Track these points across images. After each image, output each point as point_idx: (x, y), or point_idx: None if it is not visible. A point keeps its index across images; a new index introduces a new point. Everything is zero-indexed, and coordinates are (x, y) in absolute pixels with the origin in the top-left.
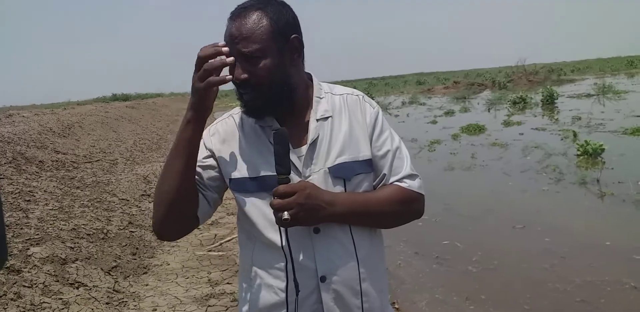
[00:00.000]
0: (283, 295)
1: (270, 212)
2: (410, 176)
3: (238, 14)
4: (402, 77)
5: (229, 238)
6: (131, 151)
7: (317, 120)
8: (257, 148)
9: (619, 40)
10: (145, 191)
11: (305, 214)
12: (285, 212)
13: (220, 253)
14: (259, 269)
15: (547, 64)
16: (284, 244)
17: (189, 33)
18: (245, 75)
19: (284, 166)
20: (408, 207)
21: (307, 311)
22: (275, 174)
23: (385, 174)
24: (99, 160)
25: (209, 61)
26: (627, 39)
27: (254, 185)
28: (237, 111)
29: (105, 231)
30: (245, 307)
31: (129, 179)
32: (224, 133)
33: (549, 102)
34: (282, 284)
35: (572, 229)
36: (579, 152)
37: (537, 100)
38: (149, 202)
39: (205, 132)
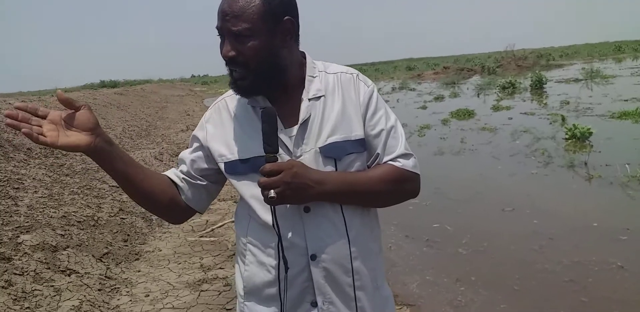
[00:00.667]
0: (275, 272)
1: (260, 192)
2: (405, 155)
3: None
4: (392, 63)
5: (220, 224)
6: (120, 138)
7: (309, 99)
8: (249, 129)
9: (607, 25)
10: None
11: (291, 192)
12: (272, 191)
13: (212, 239)
14: (253, 247)
15: (535, 49)
16: (273, 222)
17: (177, 18)
18: (232, 53)
19: (271, 144)
20: (401, 186)
21: (297, 288)
22: (264, 155)
23: (378, 153)
24: None
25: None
26: (615, 25)
27: (245, 167)
28: (229, 94)
29: (96, 218)
30: (241, 285)
31: None
32: (216, 118)
33: (538, 87)
34: (274, 262)
35: (560, 211)
36: (567, 136)
37: (526, 85)
38: None
39: (200, 122)
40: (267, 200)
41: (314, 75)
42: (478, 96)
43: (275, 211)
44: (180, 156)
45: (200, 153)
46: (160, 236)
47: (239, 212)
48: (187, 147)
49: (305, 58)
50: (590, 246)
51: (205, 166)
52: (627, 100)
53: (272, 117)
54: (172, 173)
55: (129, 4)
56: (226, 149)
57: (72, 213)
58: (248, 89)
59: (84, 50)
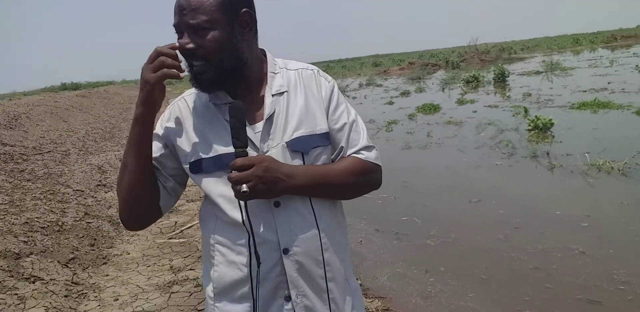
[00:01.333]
0: (246, 270)
1: (229, 189)
2: (367, 148)
3: None
4: (358, 60)
5: (189, 225)
6: (84, 141)
7: (273, 95)
8: (212, 127)
9: (565, 19)
10: (100, 181)
11: (263, 186)
12: (244, 185)
13: (182, 240)
14: (221, 247)
15: (498, 43)
16: (244, 219)
17: (138, 18)
18: (191, 45)
19: (240, 139)
20: (366, 177)
21: (270, 284)
22: (231, 151)
23: (342, 147)
24: (50, 151)
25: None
26: (572, 18)
27: (211, 164)
28: (189, 93)
29: (60, 223)
30: (210, 287)
31: (83, 170)
32: (177, 117)
33: (501, 80)
34: (245, 260)
35: (524, 200)
36: (529, 127)
37: (489, 79)
38: (105, 192)
39: (159, 121)
40: (239, 195)
41: (276, 72)
42: (443, 91)
43: (247, 207)
44: None
45: (165, 152)
46: (128, 239)
47: (204, 213)
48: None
49: (265, 55)
50: (553, 234)
51: (174, 165)
52: (585, 91)
53: (240, 111)
54: None
55: (87, 3)
56: (190, 148)
57: (35, 219)
58: (209, 83)
59: (42, 51)
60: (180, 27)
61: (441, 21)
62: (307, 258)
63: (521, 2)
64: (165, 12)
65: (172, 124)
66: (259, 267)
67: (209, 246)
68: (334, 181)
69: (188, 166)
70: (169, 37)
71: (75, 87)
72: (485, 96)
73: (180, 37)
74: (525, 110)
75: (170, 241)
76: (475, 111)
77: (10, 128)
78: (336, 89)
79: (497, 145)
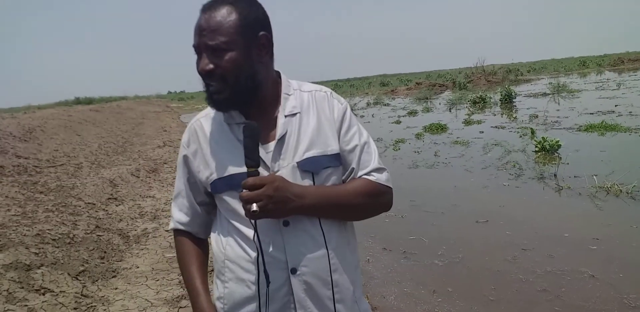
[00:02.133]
0: (254, 288)
1: (240, 208)
2: (378, 170)
3: (209, 7)
4: (366, 79)
5: None
6: (96, 155)
7: (285, 116)
8: (225, 147)
9: (572, 41)
10: (112, 194)
11: (274, 206)
12: (254, 205)
13: None
14: (231, 264)
15: (504, 64)
16: (255, 237)
17: (154, 34)
18: (210, 66)
19: (253, 158)
20: (376, 199)
21: (278, 303)
22: (243, 171)
23: (353, 168)
24: (62, 164)
25: None
26: (579, 41)
27: (223, 184)
28: (204, 114)
29: (71, 235)
30: (219, 303)
31: (94, 183)
32: (194, 141)
33: (507, 101)
34: (253, 277)
35: (532, 222)
36: (536, 149)
37: (496, 100)
38: (116, 206)
39: (180, 149)
40: (249, 214)
41: (289, 93)
42: (450, 111)
43: (257, 226)
44: (177, 189)
45: (192, 180)
46: (137, 253)
47: (217, 230)
48: (177, 180)
49: (280, 77)
50: (562, 256)
51: (204, 194)
52: (592, 113)
53: (254, 132)
54: (178, 224)
55: (104, 20)
56: (207, 169)
57: (47, 231)
58: (225, 103)
59: (58, 66)
60: (199, 48)
61: (448, 42)
62: (315, 279)
63: (528, 24)
64: (178, 29)
65: (191, 150)
66: (268, 286)
67: (220, 263)
68: (344, 202)
69: (209, 188)
70: (180, 54)
71: (89, 101)
72: (492, 117)
73: (199, 58)
74: (532, 132)
75: None
76: (482, 132)
77: (25, 141)
78: (349, 111)
79: (504, 166)
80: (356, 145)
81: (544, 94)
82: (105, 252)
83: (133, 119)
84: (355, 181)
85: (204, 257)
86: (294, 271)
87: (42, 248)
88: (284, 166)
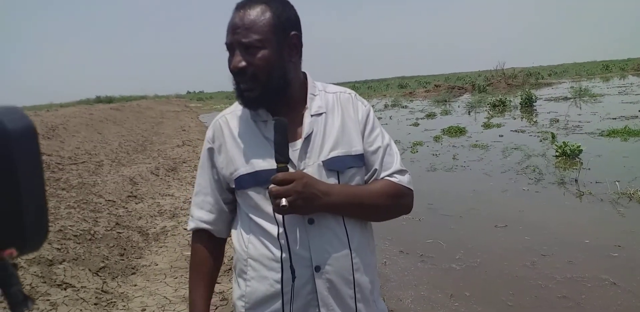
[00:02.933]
0: (278, 286)
1: (266, 204)
2: (400, 172)
3: (243, 5)
4: (384, 81)
5: None
6: (116, 153)
7: (312, 116)
8: (251, 143)
9: (594, 45)
10: (131, 192)
11: (302, 202)
12: (283, 199)
13: None
14: (254, 262)
15: (525, 68)
16: (280, 234)
17: (174, 34)
18: (243, 63)
19: (283, 154)
20: (398, 201)
21: (302, 301)
22: (269, 168)
23: (376, 169)
24: (84, 161)
25: None
26: (602, 44)
27: (249, 180)
28: (229, 110)
29: (92, 232)
30: (241, 302)
31: (115, 181)
32: (219, 136)
33: (528, 105)
34: (277, 275)
35: (552, 227)
36: (557, 154)
37: (516, 103)
38: (136, 203)
39: (204, 144)
40: (278, 209)
41: (315, 94)
42: (469, 114)
43: (284, 222)
44: (198, 187)
45: (215, 177)
46: (156, 250)
47: (238, 228)
48: (199, 177)
49: (306, 78)
50: (582, 263)
51: (228, 191)
52: (615, 118)
53: (284, 128)
54: (199, 222)
55: (126, 19)
56: (232, 166)
57: (69, 227)
58: (255, 101)
59: (79, 65)
60: (232, 46)
61: (468, 45)
62: (338, 277)
63: (550, 27)
64: (200, 30)
65: (216, 145)
66: (293, 281)
67: (242, 261)
68: (367, 202)
69: (233, 184)
70: (205, 54)
71: (109, 100)
72: (511, 121)
73: (231, 55)
74: (553, 136)
75: None
76: (502, 135)
77: (48, 138)
78: (372, 113)
79: (523, 171)
80: (379, 147)
81: (565, 98)
82: (124, 249)
83: (153, 118)
84: (378, 181)
85: (217, 263)
86: (317, 268)
87: (64, 244)
88: (309, 164)
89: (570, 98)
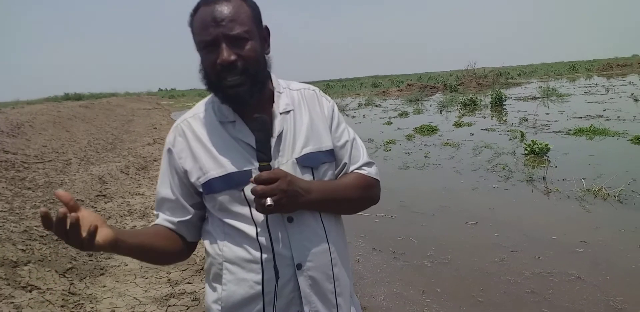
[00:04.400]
0: (258, 288)
1: (240, 207)
2: (368, 164)
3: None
4: (358, 80)
5: None
6: (85, 151)
7: (280, 114)
8: (220, 146)
9: (562, 46)
10: (100, 191)
11: (287, 200)
12: (269, 199)
13: None
14: (230, 265)
15: (495, 68)
16: (259, 234)
17: (144, 32)
18: (233, 57)
19: (265, 152)
20: (369, 192)
21: (284, 300)
22: (241, 169)
23: (345, 163)
24: (51, 160)
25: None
26: (569, 45)
27: (220, 183)
28: (190, 114)
29: None
30: (217, 305)
31: (83, 180)
32: (182, 140)
33: (498, 104)
34: (257, 277)
35: (520, 224)
36: (526, 152)
37: (487, 103)
38: (105, 203)
39: (165, 149)
40: (263, 209)
41: (280, 91)
42: (441, 113)
43: (268, 221)
44: (160, 195)
45: (180, 183)
46: None
47: (210, 232)
48: (160, 186)
49: (269, 75)
50: (550, 258)
51: (191, 198)
52: (581, 117)
53: (265, 126)
54: (165, 221)
55: (95, 15)
56: (199, 170)
57: (34, 227)
58: (245, 96)
59: (47, 61)
60: (217, 40)
61: (440, 45)
62: (319, 273)
63: (519, 28)
64: (171, 26)
65: (178, 150)
66: (277, 281)
67: (216, 266)
68: (343, 196)
69: (202, 189)
70: (171, 51)
71: (78, 97)
72: (482, 119)
73: (214, 51)
74: (522, 135)
75: None
76: (472, 134)
77: (13, 136)
78: (336, 108)
79: (493, 168)
80: (347, 141)
81: (534, 98)
82: None
83: (123, 115)
84: (349, 175)
85: (159, 238)
86: (299, 266)
87: (30, 245)
88: (283, 162)
89: (538, 97)
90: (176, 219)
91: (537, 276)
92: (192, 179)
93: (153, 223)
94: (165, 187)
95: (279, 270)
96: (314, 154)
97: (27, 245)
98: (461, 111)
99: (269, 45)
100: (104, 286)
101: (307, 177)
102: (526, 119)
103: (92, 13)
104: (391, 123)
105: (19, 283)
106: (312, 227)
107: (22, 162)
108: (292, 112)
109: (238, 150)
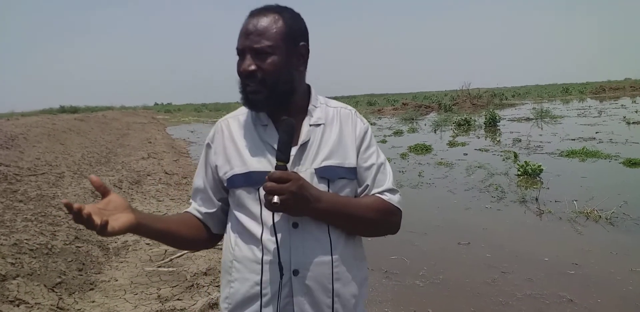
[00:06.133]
0: (258, 288)
1: (253, 205)
2: (391, 190)
3: (257, 13)
4: (354, 98)
5: (179, 254)
6: (79, 164)
7: (310, 125)
8: (248, 145)
9: (555, 68)
10: None
11: (294, 202)
12: (276, 197)
13: (171, 269)
14: (238, 264)
15: (490, 88)
16: (264, 236)
17: (141, 45)
18: (253, 67)
19: (284, 153)
20: (386, 217)
21: (280, 303)
22: (262, 170)
23: (368, 185)
24: (44, 173)
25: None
26: (563, 68)
27: (241, 179)
28: (231, 115)
29: (49, 246)
30: (225, 304)
31: (76, 193)
32: (219, 137)
33: (492, 124)
34: (257, 277)
35: (512, 245)
36: (519, 173)
37: (481, 123)
38: None
39: (206, 143)
40: (269, 205)
41: (317, 106)
42: (435, 132)
43: (274, 219)
44: (195, 185)
45: (211, 177)
46: (116, 266)
47: (228, 231)
48: (196, 177)
49: (310, 89)
50: (541, 280)
51: (221, 190)
52: (574, 139)
53: (291, 128)
54: (194, 210)
55: (93, 29)
56: (227, 165)
57: (25, 241)
58: (260, 103)
59: (44, 74)
60: (244, 50)
61: (435, 65)
62: (316, 284)
63: (514, 49)
64: (169, 40)
65: (215, 146)
66: (282, 279)
67: (228, 263)
68: (355, 213)
69: (226, 183)
70: (173, 66)
71: (74, 110)
72: (476, 140)
73: (241, 59)
74: (515, 156)
75: (160, 269)
76: (466, 154)
77: (7, 148)
78: (370, 131)
79: (486, 189)
80: (373, 164)
81: (528, 119)
82: (83, 264)
83: (118, 129)
84: (368, 196)
85: (185, 225)
86: (295, 272)
87: (19, 258)
88: (302, 171)
89: (532, 119)
90: (204, 210)
91: (528, 298)
92: (220, 174)
93: (185, 210)
94: (199, 179)
95: (276, 273)
96: (334, 167)
97: (16, 258)
98: (455, 131)
99: (304, 63)
100: (93, 301)
101: (323, 188)
102: (520, 140)
103: (90, 26)
104: (386, 141)
105: (7, 297)
106: (317, 237)
107: (14, 174)
108: (322, 125)
109: (263, 151)
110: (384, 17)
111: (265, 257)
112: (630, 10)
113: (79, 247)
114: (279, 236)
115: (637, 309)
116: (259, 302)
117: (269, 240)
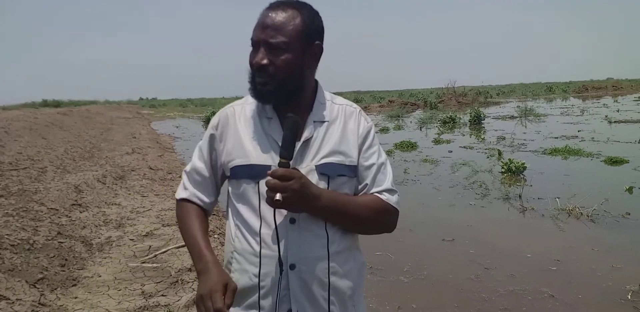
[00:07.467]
0: (256, 280)
1: (252, 197)
2: (390, 191)
3: (277, 6)
4: (340, 94)
5: (163, 250)
6: (62, 159)
7: (314, 122)
8: (251, 137)
9: (540, 67)
10: (76, 200)
11: (296, 200)
12: (278, 194)
13: (155, 265)
14: (238, 255)
15: (475, 86)
16: (263, 230)
17: (126, 39)
18: (265, 61)
19: (288, 150)
20: (382, 217)
21: (276, 296)
22: (263, 163)
23: (367, 184)
24: (26, 167)
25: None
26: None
27: (243, 171)
28: (239, 103)
29: (31, 241)
30: None
31: (58, 188)
32: (224, 125)
33: (476, 122)
34: (256, 270)
35: (496, 241)
36: (503, 170)
37: (466, 121)
38: (80, 212)
39: (208, 128)
40: (271, 202)
41: (322, 102)
42: (420, 129)
43: (275, 215)
44: (196, 169)
45: (215, 164)
46: (100, 261)
47: (229, 222)
48: (195, 158)
49: (317, 86)
50: (523, 276)
51: (220, 176)
52: (557, 137)
53: (295, 126)
54: (196, 198)
55: (75, 21)
56: (230, 153)
57: (5, 236)
58: (267, 96)
59: (25, 66)
60: (258, 43)
61: (421, 62)
62: (311, 278)
63: (499, 48)
64: (152, 34)
65: (219, 132)
66: (281, 274)
67: (229, 253)
68: (352, 211)
69: (228, 173)
70: (157, 60)
71: (57, 104)
72: (460, 137)
73: (254, 51)
74: (499, 153)
75: (144, 265)
76: (451, 151)
77: None
78: (373, 130)
79: (471, 186)
80: (373, 164)
81: (512, 117)
82: (66, 259)
83: (102, 124)
84: (366, 195)
85: (206, 223)
86: (292, 266)
87: (0, 254)
88: (302, 167)
89: (516, 117)
90: (206, 199)
91: (511, 294)
92: (223, 161)
93: (182, 197)
94: (200, 162)
95: (273, 266)
96: (335, 164)
97: None
98: (440, 128)
99: (316, 61)
100: (76, 298)
101: (322, 185)
102: (504, 138)
103: (73, 18)
104: None
105: None
106: (314, 233)
107: None
108: (326, 123)
109: (265, 145)
110: (370, 15)
111: (263, 251)
112: (613, 11)
113: (62, 242)
114: (277, 230)
115: (617, 305)
116: (257, 294)
117: (267, 234)
